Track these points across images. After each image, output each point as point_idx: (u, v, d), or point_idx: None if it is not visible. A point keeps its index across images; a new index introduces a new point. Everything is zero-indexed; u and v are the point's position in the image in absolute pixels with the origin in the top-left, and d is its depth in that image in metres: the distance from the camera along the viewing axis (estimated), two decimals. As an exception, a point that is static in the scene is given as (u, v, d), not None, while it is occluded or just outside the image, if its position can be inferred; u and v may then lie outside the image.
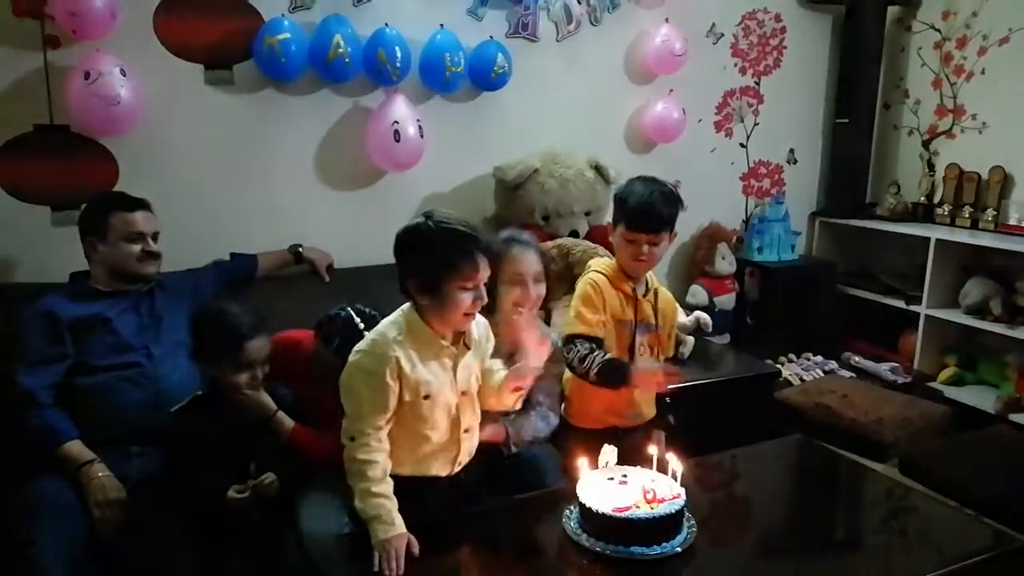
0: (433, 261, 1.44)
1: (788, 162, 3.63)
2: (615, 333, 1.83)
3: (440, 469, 1.57)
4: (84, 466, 1.75)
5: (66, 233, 2.31)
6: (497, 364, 1.62)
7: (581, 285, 1.86)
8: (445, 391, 1.51)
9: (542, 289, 1.89)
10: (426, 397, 1.48)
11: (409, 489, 1.49)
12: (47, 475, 1.75)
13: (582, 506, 1.42)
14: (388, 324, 1.51)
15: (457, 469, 1.59)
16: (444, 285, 1.43)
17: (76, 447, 1.78)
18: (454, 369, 1.52)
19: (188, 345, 1.85)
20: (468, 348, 1.55)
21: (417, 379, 1.46)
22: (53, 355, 1.86)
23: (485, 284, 1.48)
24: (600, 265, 1.90)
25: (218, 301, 1.96)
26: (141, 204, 2.06)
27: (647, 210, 1.78)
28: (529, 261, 1.88)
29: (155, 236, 2.06)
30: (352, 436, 1.44)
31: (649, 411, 1.96)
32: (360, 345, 1.49)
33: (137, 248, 2.01)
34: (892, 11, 3.51)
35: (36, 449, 1.78)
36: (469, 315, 1.49)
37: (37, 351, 1.86)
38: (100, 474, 1.75)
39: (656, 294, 1.92)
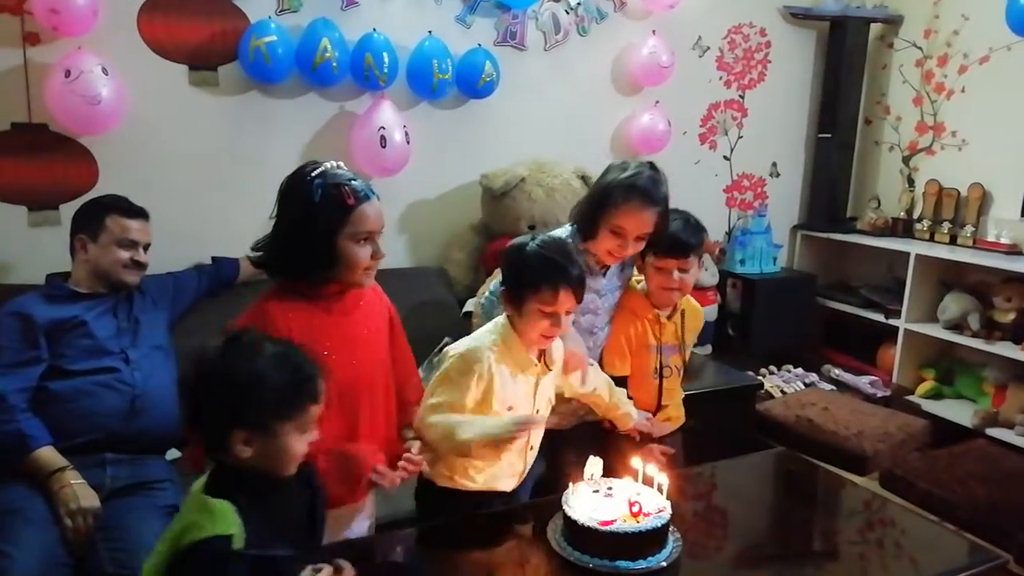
0: (520, 279, 1.54)
1: (771, 175, 3.66)
2: (641, 357, 1.93)
3: (506, 484, 1.64)
4: (55, 473, 1.69)
5: (43, 234, 2.27)
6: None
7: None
8: (525, 407, 1.59)
9: (640, 246, 1.86)
10: (509, 409, 1.56)
11: (478, 503, 1.60)
12: (17, 482, 1.69)
13: (567, 518, 1.41)
14: (484, 332, 1.60)
15: (517, 484, 1.67)
16: (525, 303, 1.52)
17: (48, 453, 1.72)
18: (535, 388, 1.60)
19: (168, 352, 1.79)
20: (550, 369, 1.63)
21: (505, 391, 1.54)
22: (26, 358, 1.81)
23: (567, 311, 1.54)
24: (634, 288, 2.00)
25: (259, 360, 1.16)
26: (141, 213, 2.04)
27: (674, 238, 1.89)
28: (641, 221, 1.81)
29: (146, 247, 2.04)
30: (428, 419, 1.53)
31: (677, 417, 2.06)
32: (456, 347, 1.58)
33: (126, 255, 1.98)
34: (875, 28, 3.56)
35: (6, 455, 1.72)
36: (546, 337, 1.56)
37: (9, 353, 1.81)
38: (72, 481, 1.69)
39: (683, 314, 1.99)
